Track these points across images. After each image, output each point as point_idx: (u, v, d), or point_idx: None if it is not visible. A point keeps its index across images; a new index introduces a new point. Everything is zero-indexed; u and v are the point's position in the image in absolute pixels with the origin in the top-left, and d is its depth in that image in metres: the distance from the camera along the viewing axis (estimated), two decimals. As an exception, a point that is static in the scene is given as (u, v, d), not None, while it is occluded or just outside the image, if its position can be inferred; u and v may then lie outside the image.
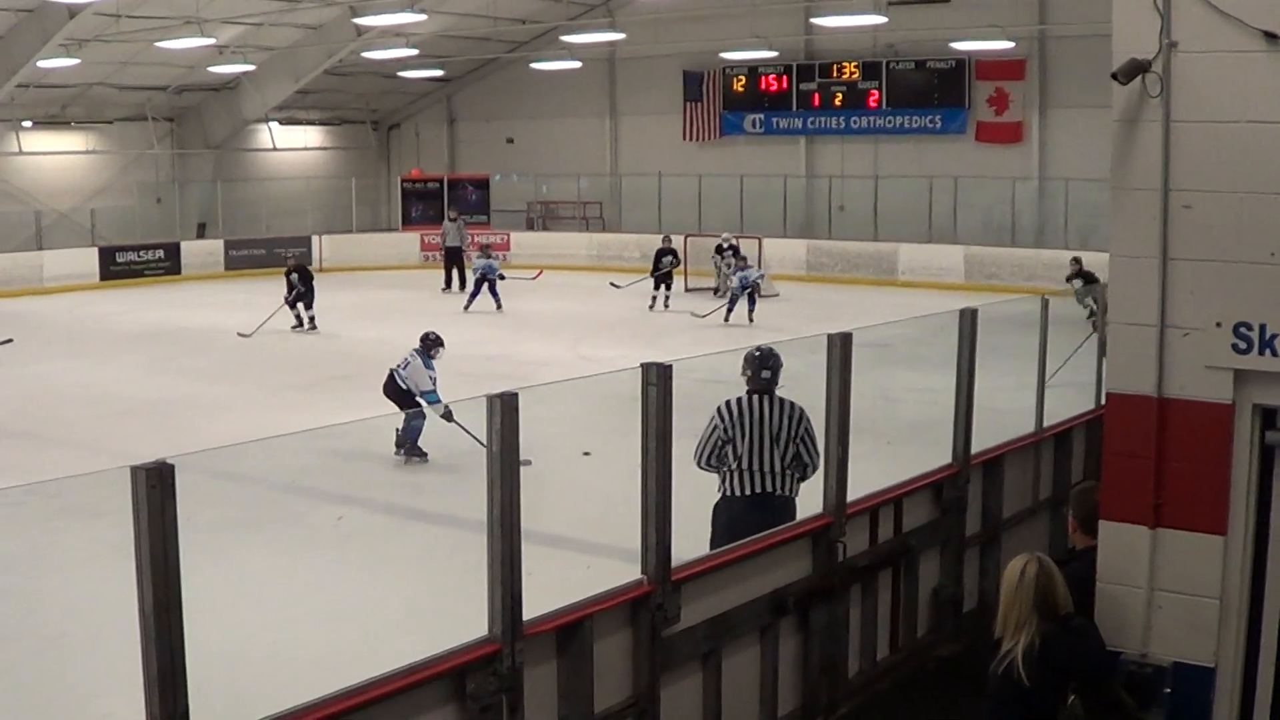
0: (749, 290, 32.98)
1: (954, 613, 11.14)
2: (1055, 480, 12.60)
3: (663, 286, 35.71)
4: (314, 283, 32.18)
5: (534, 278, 35.39)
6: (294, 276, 31.80)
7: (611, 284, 37.53)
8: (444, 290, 39.78)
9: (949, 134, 42.33)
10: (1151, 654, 7.77)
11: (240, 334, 29.90)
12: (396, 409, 18.07)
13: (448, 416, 16.18)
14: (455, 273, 40.32)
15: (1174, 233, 7.54)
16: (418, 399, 18.06)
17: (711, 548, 9.96)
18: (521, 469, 7.10)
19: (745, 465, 10.36)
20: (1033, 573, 6.93)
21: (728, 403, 10.47)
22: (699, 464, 10.48)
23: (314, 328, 31.52)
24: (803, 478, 10.50)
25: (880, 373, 20.62)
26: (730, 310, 33.08)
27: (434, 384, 18.09)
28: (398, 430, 17.71)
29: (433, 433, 16.64)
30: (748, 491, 10.36)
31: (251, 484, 14.76)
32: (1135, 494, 7.79)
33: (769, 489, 10.35)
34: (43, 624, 11.43)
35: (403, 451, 17.82)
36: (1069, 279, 31.03)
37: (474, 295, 35.44)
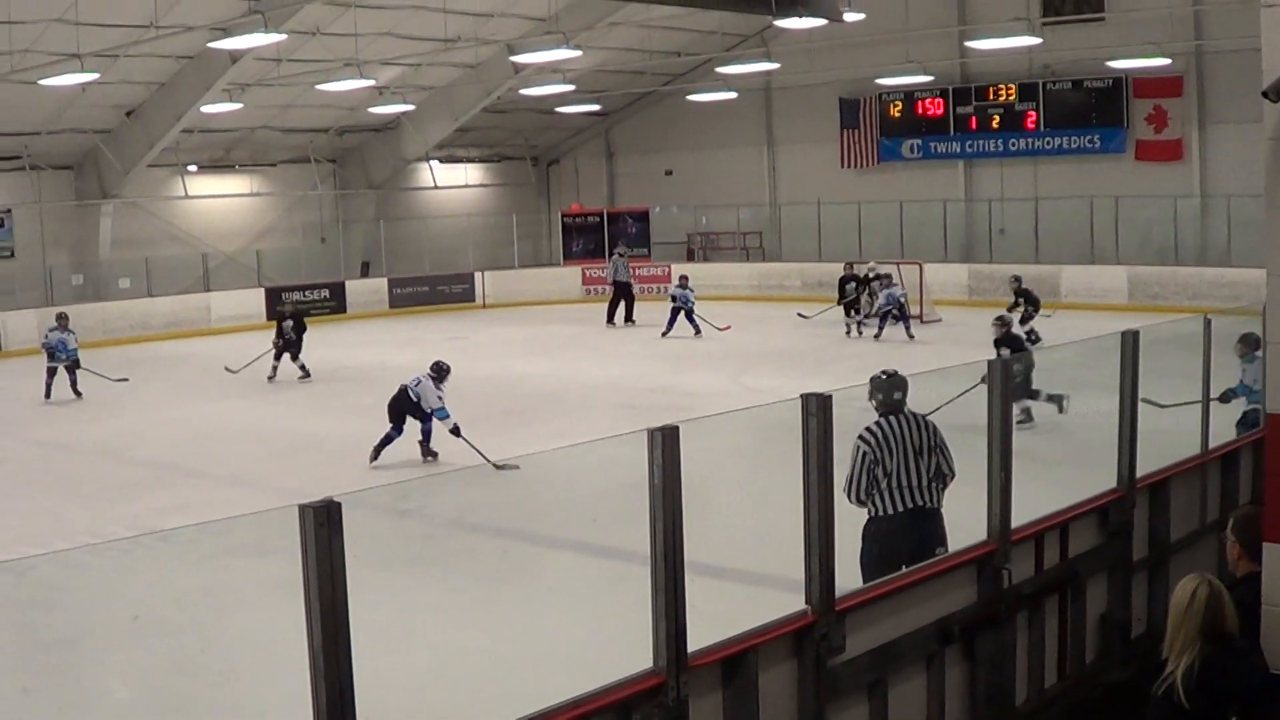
0: (900, 306, 33.20)
1: (1122, 638, 11.02)
2: (1223, 502, 12.44)
3: (852, 312, 35.71)
4: (305, 335, 31.13)
5: (723, 329, 35.51)
6: (288, 324, 30.88)
7: (799, 314, 37.60)
8: (608, 325, 39.95)
9: (1108, 153, 41.89)
10: (1318, 678, 7.66)
11: (228, 369, 30.42)
12: (398, 423, 21.33)
13: (455, 431, 20.34)
14: (621, 308, 40.35)
15: (1328, 251, 7.44)
16: (429, 414, 20.92)
17: (863, 567, 10.06)
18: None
19: (895, 483, 10.45)
20: (1203, 595, 6.86)
21: (868, 428, 10.58)
22: (854, 498, 10.50)
23: (307, 375, 30.62)
24: (943, 487, 10.62)
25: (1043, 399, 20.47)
26: (881, 328, 33.28)
27: (442, 403, 20.79)
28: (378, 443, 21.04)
29: (592, 468, 16.70)
30: (900, 508, 10.46)
31: (419, 519, 14.91)
32: (1300, 516, 7.69)
33: (919, 503, 10.46)
34: (215, 659, 11.61)
35: (372, 457, 20.90)
36: (1012, 307, 31.11)
37: (671, 323, 36.24)
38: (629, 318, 39.85)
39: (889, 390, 10.78)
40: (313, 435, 23.85)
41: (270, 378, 30.43)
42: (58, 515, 18.52)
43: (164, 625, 12.10)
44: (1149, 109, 41.06)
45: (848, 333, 35.21)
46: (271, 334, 31.43)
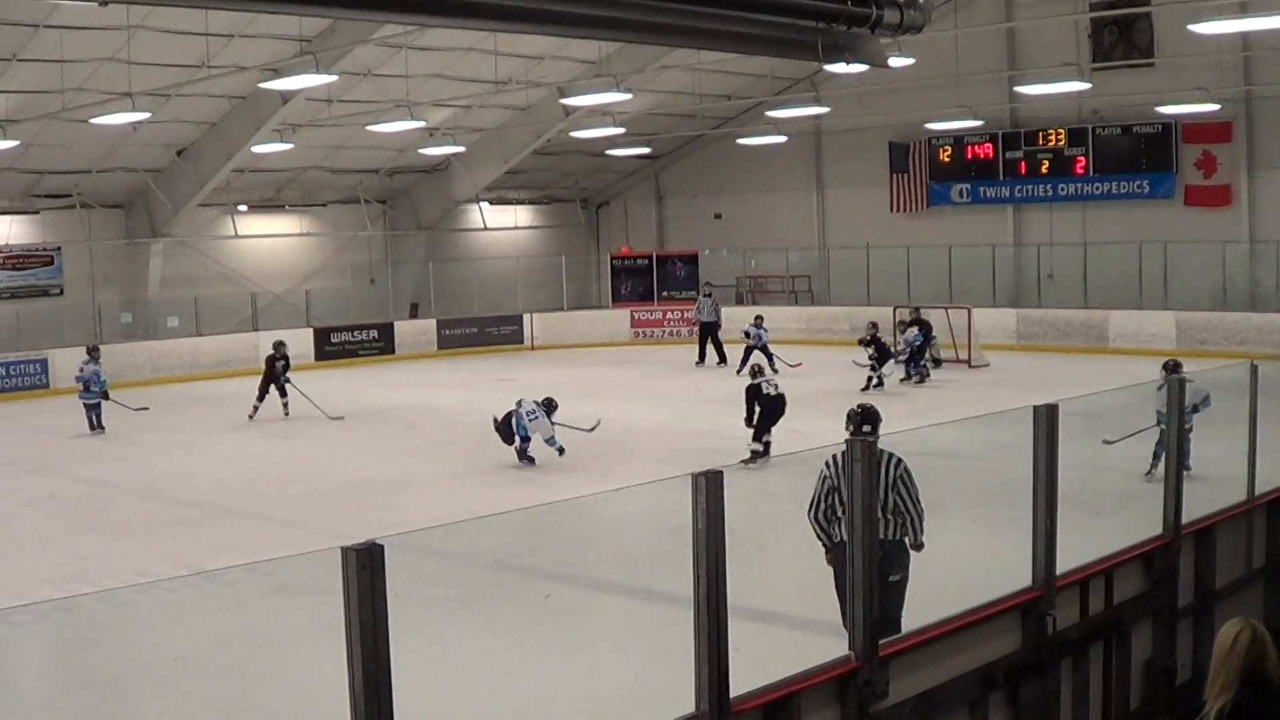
0: (918, 349, 33.53)
1: (1168, 685, 10.97)
2: (1269, 548, 12.37)
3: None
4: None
5: (795, 366, 35.62)
6: (280, 365, 31.08)
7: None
8: (697, 364, 40.11)
9: (1157, 198, 41.76)
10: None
11: (333, 417, 30.38)
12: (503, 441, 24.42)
13: (559, 448, 23.85)
14: (710, 347, 40.46)
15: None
16: (540, 439, 24.00)
17: (838, 590, 10.09)
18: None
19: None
20: (1245, 640, 6.84)
21: (834, 455, 10.74)
22: (812, 519, 10.88)
23: (288, 414, 30.90)
24: (906, 521, 10.65)
25: (1090, 442, 20.34)
26: (907, 373, 34.33)
27: (554, 434, 23.89)
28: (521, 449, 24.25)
29: (637, 511, 16.71)
30: (846, 536, 10.51)
31: (462, 562, 14.92)
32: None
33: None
34: (259, 700, 11.62)
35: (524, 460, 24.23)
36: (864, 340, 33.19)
37: (744, 361, 36.01)
38: (721, 358, 39.97)
39: (859, 423, 11.33)
40: (360, 476, 23.86)
41: (251, 416, 30.74)
42: (105, 554, 18.59)
43: (209, 665, 12.13)
44: (1198, 154, 40.96)
45: (909, 377, 35.16)
46: (268, 374, 31.36)
